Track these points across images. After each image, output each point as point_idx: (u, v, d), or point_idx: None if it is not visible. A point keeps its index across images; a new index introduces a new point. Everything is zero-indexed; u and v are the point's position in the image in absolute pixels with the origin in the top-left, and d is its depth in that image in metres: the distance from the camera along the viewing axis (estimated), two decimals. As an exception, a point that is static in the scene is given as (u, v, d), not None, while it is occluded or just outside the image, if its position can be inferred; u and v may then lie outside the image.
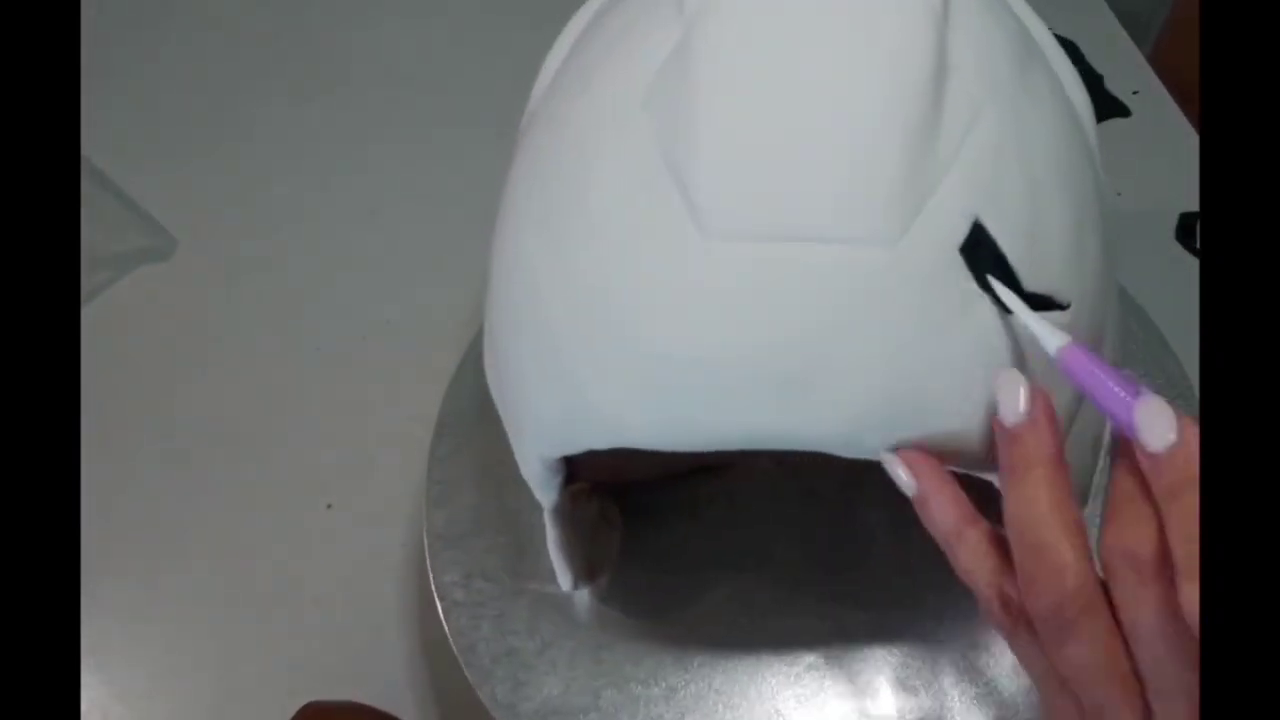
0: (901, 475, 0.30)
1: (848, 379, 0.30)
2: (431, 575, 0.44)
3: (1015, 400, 0.28)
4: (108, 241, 0.62)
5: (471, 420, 0.48)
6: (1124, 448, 0.27)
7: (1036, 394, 0.28)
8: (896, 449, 0.31)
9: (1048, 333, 0.29)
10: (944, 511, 0.30)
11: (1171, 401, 0.26)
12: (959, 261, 0.30)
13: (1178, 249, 0.61)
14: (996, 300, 0.30)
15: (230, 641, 0.49)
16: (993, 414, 0.29)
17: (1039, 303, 0.31)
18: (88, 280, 0.60)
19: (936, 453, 0.31)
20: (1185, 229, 0.61)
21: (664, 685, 0.41)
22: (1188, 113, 0.68)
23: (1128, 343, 0.48)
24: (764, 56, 0.32)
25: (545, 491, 0.38)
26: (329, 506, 0.53)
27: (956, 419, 0.30)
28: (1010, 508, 0.28)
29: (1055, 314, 0.31)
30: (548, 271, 0.34)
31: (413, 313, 0.59)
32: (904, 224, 0.30)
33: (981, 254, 0.31)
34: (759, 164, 0.31)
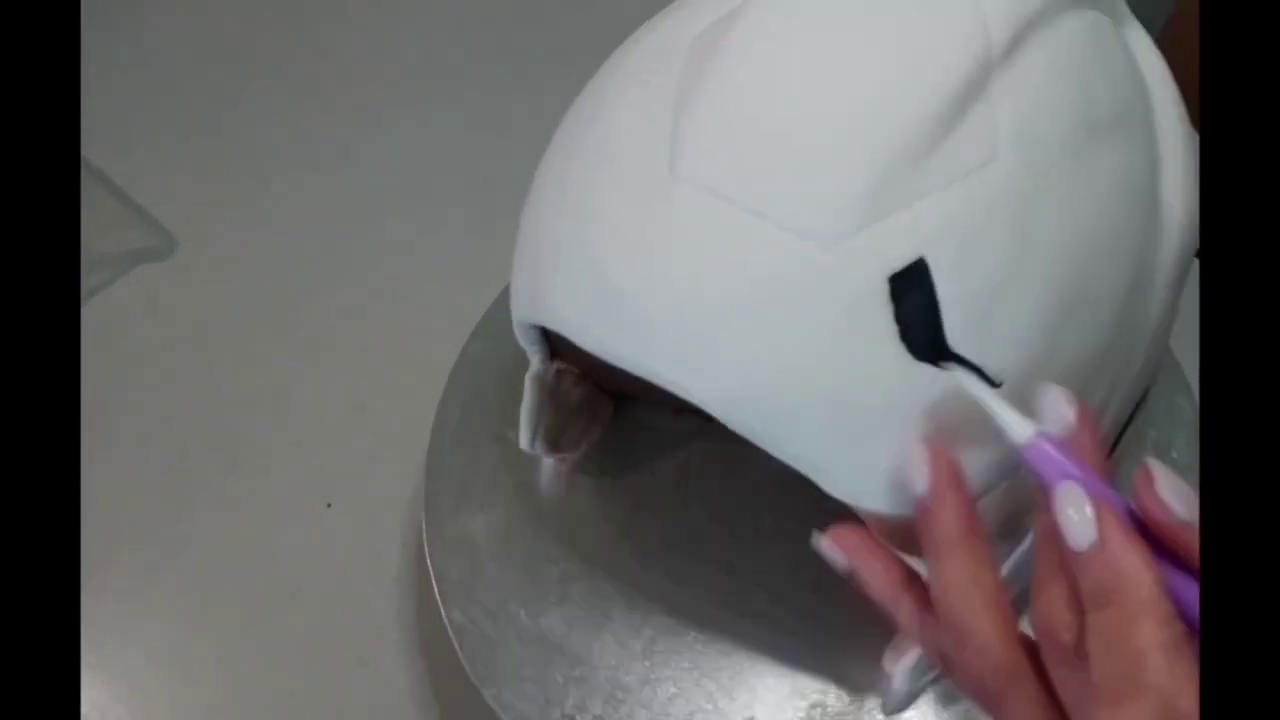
0: (833, 556, 0.31)
1: (742, 353, 0.31)
2: (430, 565, 0.44)
3: (919, 475, 0.29)
4: (108, 241, 0.62)
5: (470, 416, 0.49)
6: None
7: (940, 465, 0.29)
8: (826, 530, 0.31)
9: (1015, 421, 0.28)
10: (877, 581, 0.31)
11: (1106, 500, 0.26)
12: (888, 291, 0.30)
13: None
14: (923, 355, 0.30)
15: (230, 641, 0.49)
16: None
17: (960, 362, 0.30)
18: (88, 280, 0.60)
19: (806, 462, 0.32)
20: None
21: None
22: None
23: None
24: (798, 38, 0.33)
25: (529, 354, 0.41)
26: (329, 506, 0.53)
27: (865, 440, 0.31)
28: (932, 589, 0.29)
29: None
30: (560, 168, 0.36)
31: (413, 313, 0.59)
32: (847, 232, 0.30)
33: (911, 294, 0.29)
34: (747, 132, 0.32)
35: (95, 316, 0.59)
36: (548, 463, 0.46)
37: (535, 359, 0.41)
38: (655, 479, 0.46)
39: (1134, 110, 0.34)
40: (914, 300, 0.29)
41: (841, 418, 0.30)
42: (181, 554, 0.51)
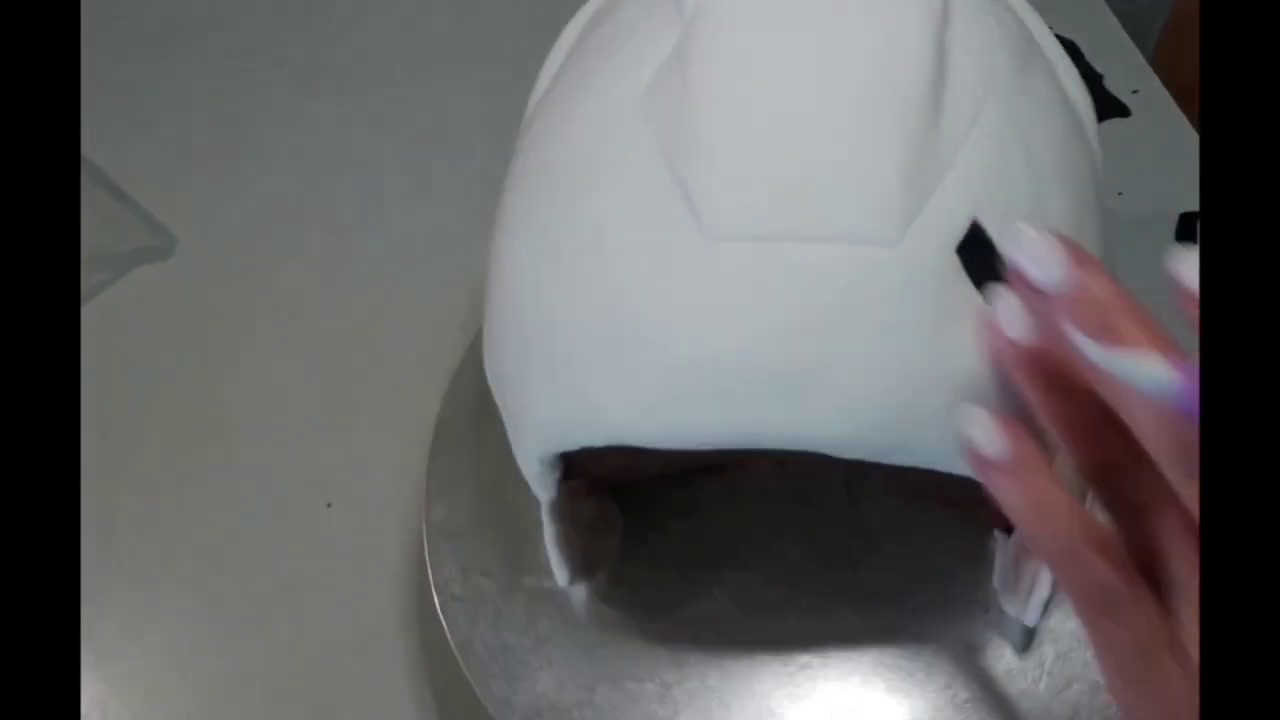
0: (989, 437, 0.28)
1: (849, 380, 0.30)
2: (430, 570, 0.44)
3: (989, 436, 0.28)
4: (108, 241, 0.62)
5: (472, 418, 0.48)
6: None
7: (1006, 425, 0.28)
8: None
9: (1156, 371, 0.24)
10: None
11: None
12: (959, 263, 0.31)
13: (1178, 249, 0.61)
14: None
15: (230, 641, 0.49)
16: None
17: None
18: (88, 280, 0.60)
19: (938, 457, 0.31)
20: (1185, 229, 0.61)
21: (659, 682, 0.41)
22: (1188, 113, 0.68)
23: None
24: (763, 59, 0.32)
25: (543, 487, 0.38)
26: (329, 506, 0.53)
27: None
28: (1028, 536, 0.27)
29: None
30: (551, 278, 0.34)
31: (413, 312, 0.59)
32: (904, 223, 0.30)
33: (978, 255, 0.30)
34: (760, 165, 0.31)
35: (95, 316, 0.59)
36: (578, 593, 0.43)
37: (550, 489, 0.38)
38: (659, 499, 0.45)
39: (1025, 29, 0.38)
40: (982, 259, 0.30)
41: (956, 397, 0.30)
42: (181, 554, 0.51)
